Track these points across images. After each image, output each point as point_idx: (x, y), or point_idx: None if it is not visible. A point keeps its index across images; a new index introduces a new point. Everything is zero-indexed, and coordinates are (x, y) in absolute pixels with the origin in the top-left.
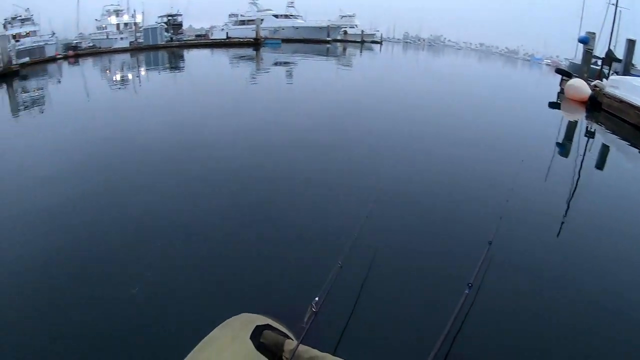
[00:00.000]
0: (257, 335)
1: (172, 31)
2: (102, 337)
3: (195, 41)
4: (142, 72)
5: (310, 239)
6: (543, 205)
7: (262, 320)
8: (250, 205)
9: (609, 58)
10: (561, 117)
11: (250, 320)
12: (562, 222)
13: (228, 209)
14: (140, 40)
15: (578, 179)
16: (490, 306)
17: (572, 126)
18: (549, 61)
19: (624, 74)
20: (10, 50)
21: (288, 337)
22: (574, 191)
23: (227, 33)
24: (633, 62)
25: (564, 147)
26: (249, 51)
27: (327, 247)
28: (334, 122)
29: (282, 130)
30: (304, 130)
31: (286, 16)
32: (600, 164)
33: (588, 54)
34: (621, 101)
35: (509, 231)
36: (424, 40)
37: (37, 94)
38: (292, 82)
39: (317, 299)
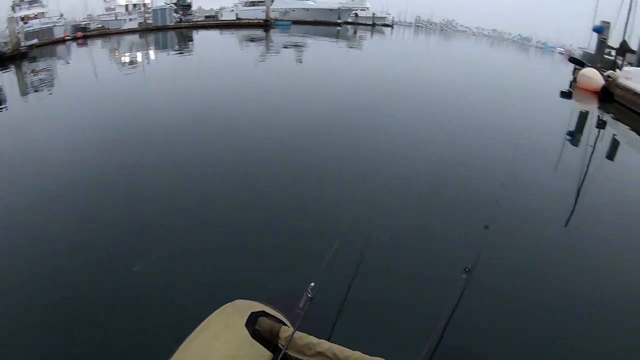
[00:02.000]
0: (252, 322)
1: (181, 12)
2: (96, 317)
3: (205, 22)
4: (151, 53)
5: (307, 223)
6: (547, 193)
7: (258, 307)
8: (245, 191)
9: (623, 49)
10: (573, 107)
11: (246, 307)
12: (572, 212)
13: (224, 196)
14: (149, 21)
15: (587, 168)
16: (488, 291)
17: (583, 116)
18: (562, 50)
19: (638, 66)
20: (18, 32)
21: (284, 324)
22: (583, 180)
23: (236, 14)
24: None
25: (574, 137)
26: (259, 32)
27: (325, 231)
28: (337, 107)
29: (284, 116)
30: (305, 115)
31: None
32: (610, 155)
33: (602, 44)
34: (635, 93)
35: (508, 216)
36: (435, 25)
37: (45, 75)
38: (302, 64)
39: (312, 284)
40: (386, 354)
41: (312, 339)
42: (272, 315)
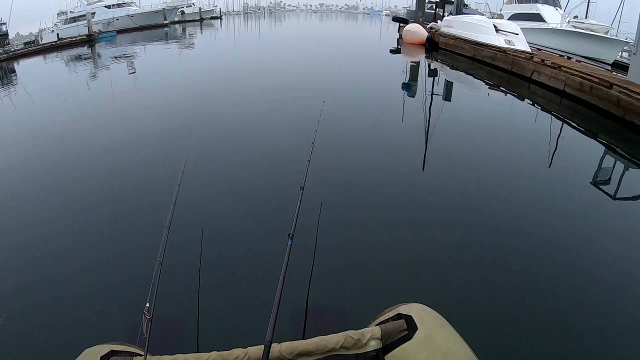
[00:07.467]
0: None
1: None
2: None
3: (24, 50)
4: None
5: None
6: (398, 145)
7: (105, 349)
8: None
9: (443, 1)
10: (404, 61)
11: (94, 354)
12: (424, 155)
13: None
14: None
15: (429, 114)
16: (311, 255)
17: (414, 67)
18: (388, 12)
19: (457, 14)
20: None
21: (136, 354)
22: (428, 127)
23: (57, 34)
24: (466, 2)
25: (410, 89)
26: (84, 50)
27: (145, 244)
28: (174, 113)
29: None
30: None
31: (119, 5)
32: (447, 96)
33: (421, 1)
34: (456, 38)
35: (355, 173)
36: (264, 9)
37: None
38: (135, 74)
39: (147, 305)
40: (236, 336)
41: (165, 358)
42: (123, 351)
